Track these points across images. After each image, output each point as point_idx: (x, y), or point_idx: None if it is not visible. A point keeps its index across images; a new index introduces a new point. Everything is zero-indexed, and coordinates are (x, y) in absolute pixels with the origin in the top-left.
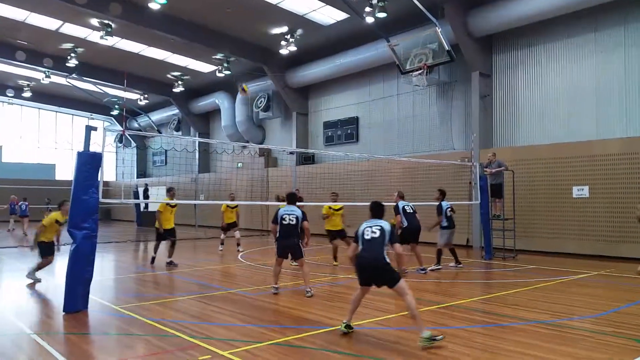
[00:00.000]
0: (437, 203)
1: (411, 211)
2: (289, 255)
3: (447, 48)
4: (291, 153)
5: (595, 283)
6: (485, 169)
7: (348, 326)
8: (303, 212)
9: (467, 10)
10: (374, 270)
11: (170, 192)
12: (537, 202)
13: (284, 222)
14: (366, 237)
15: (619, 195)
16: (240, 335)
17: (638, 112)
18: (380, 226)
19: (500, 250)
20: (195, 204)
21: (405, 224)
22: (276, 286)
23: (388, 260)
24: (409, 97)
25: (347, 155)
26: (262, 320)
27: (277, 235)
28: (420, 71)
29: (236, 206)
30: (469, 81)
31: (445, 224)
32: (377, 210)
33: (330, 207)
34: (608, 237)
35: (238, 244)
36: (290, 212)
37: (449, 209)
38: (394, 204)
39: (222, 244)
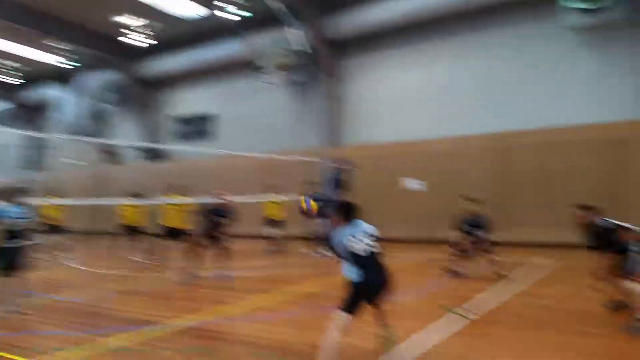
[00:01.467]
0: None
1: None
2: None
3: (300, 50)
4: (137, 149)
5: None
6: (335, 166)
7: None
8: None
9: (322, 15)
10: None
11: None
12: (376, 193)
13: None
14: None
15: (448, 189)
16: (61, 343)
17: (466, 113)
18: None
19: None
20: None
21: None
22: None
23: None
24: (266, 96)
25: (199, 151)
26: (92, 326)
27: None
28: (275, 70)
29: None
30: (323, 82)
31: None
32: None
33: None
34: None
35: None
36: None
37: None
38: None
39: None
